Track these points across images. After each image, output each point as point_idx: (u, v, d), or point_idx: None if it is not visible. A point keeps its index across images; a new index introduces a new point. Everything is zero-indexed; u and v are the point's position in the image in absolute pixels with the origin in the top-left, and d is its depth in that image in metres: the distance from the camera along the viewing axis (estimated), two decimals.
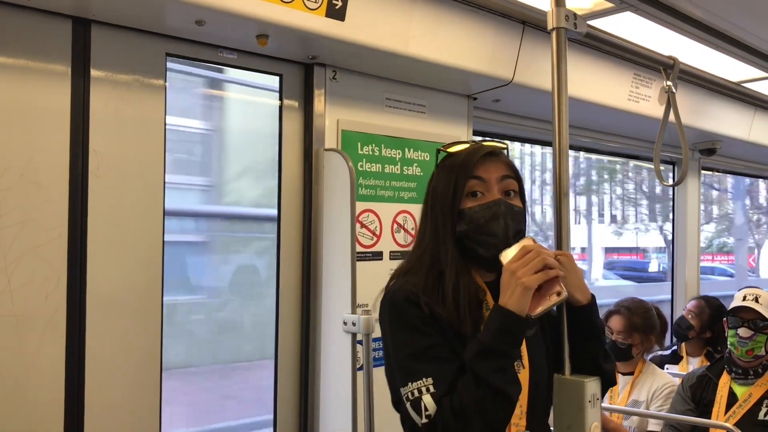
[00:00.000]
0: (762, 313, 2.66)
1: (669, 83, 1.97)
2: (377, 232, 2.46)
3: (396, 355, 1.39)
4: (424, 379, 1.32)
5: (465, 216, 1.43)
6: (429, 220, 1.48)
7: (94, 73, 1.87)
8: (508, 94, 2.75)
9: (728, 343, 2.72)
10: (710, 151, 4.17)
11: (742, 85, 3.56)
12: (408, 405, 1.33)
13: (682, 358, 3.67)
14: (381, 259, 2.45)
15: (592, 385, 1.51)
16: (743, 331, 2.65)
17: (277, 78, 2.30)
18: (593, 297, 1.49)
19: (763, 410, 2.59)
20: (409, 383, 1.33)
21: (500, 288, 1.33)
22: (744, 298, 2.72)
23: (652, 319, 3.06)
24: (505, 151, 1.52)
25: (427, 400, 1.31)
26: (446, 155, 1.51)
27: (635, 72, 3.06)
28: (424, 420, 1.31)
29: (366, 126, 2.43)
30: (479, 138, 2.53)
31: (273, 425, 2.30)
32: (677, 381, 3.00)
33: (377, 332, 2.14)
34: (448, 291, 1.39)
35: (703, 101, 3.55)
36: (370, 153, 2.45)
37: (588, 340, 1.50)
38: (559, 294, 1.30)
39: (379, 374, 2.14)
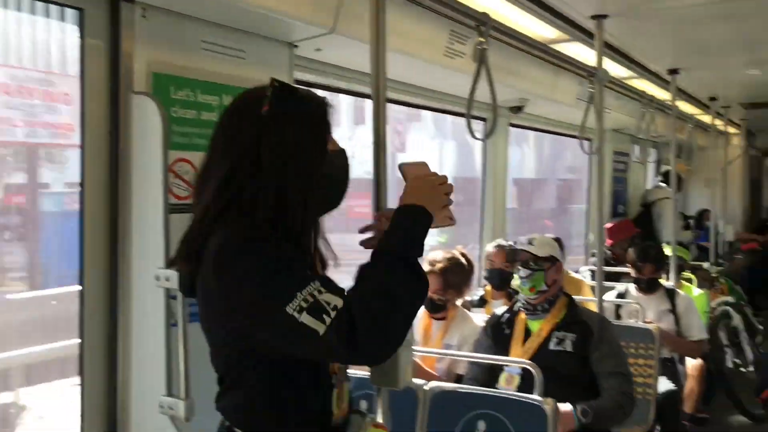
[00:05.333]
0: (534, 253, 2.95)
1: (482, 40, 2.05)
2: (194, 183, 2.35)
3: (263, 283, 1.30)
4: (312, 283, 1.28)
5: (330, 159, 1.45)
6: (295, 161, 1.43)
7: None
8: (330, 44, 2.71)
9: (515, 284, 2.99)
10: (518, 108, 4.45)
11: (549, 46, 3.81)
12: (304, 316, 1.25)
13: (487, 301, 3.95)
14: None
15: None
16: (523, 272, 2.95)
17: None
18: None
19: (553, 341, 2.88)
20: (297, 294, 1.26)
21: (415, 192, 1.43)
22: (521, 243, 3.04)
23: (465, 273, 3.25)
24: None
25: (327, 297, 1.27)
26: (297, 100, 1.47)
27: (452, 29, 3.15)
28: (332, 316, 1.25)
29: (180, 69, 2.28)
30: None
31: (81, 385, 2.16)
32: None
33: None
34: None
35: (512, 60, 3.75)
36: (185, 98, 2.32)
37: None
38: (451, 219, 1.46)
39: (195, 330, 2.08)
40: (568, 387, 2.77)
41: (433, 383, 2.62)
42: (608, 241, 5.78)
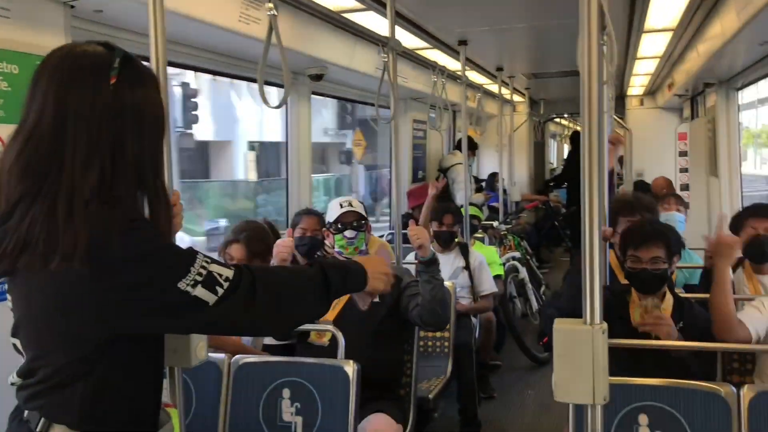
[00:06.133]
0: (360, 213, 3.05)
1: (270, 5, 2.01)
2: None
3: (154, 262, 1.27)
4: (198, 255, 1.31)
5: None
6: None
7: None
8: (111, 4, 2.54)
9: (337, 246, 3.03)
10: (318, 76, 4.46)
11: (343, 14, 3.84)
12: (198, 290, 1.27)
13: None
14: None
15: None
16: (349, 233, 3.02)
17: None
18: None
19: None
20: (191, 269, 1.28)
21: (373, 263, 1.64)
22: (341, 206, 3.06)
23: (269, 241, 3.23)
24: None
25: (216, 268, 1.31)
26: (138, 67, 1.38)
27: None
28: (225, 287, 1.29)
29: None
30: None
31: None
32: None
33: None
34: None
35: (310, 28, 3.75)
36: None
37: None
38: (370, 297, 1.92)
39: None
40: (376, 336, 2.91)
41: (239, 356, 2.60)
42: (409, 205, 6.06)
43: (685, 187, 6.86)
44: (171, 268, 1.28)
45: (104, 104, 1.28)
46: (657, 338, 2.53)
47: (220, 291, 1.29)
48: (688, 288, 3.67)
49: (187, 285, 1.27)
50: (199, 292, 1.28)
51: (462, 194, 5.59)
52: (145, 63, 1.46)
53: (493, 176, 8.46)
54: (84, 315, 1.26)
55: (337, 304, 3.00)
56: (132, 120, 1.31)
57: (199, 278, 1.28)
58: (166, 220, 1.39)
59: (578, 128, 14.93)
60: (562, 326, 1.39)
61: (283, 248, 2.89)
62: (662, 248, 2.66)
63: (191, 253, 1.32)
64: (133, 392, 1.36)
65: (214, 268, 1.31)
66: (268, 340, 3.11)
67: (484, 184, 8.62)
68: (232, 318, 1.34)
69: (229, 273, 1.32)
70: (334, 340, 2.70)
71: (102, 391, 1.31)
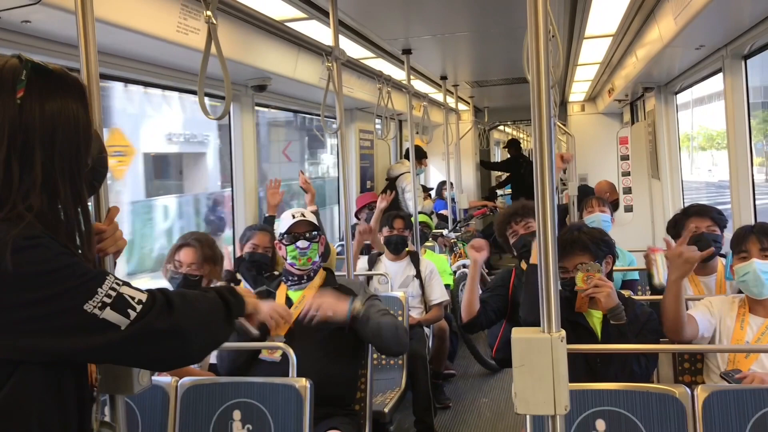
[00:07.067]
0: (313, 223, 2.98)
1: (209, 14, 1.94)
2: None
3: (56, 283, 1.20)
4: (108, 277, 1.25)
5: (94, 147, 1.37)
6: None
7: None
8: (40, 15, 2.41)
9: (289, 257, 2.94)
10: (261, 87, 4.37)
11: (285, 24, 3.78)
12: (106, 312, 1.22)
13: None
14: None
15: None
16: (302, 243, 2.93)
17: None
18: None
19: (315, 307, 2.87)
20: (98, 290, 1.23)
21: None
22: (294, 216, 3.00)
23: (218, 251, 3.13)
24: None
25: (128, 290, 1.26)
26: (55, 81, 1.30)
27: (183, 3, 2.99)
28: (137, 310, 1.24)
29: None
30: None
31: None
32: None
33: None
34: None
35: (252, 38, 3.67)
36: None
37: None
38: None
39: None
40: (329, 351, 2.83)
41: (186, 378, 2.50)
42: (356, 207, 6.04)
43: (628, 191, 6.98)
44: (75, 288, 1.22)
45: (8, 119, 1.23)
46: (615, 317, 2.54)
47: (133, 314, 1.25)
48: (626, 283, 3.80)
49: (95, 307, 1.22)
50: (109, 314, 1.23)
51: (413, 203, 5.57)
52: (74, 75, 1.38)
53: (442, 184, 8.49)
54: None
55: (293, 313, 2.90)
56: (42, 134, 1.25)
57: (108, 300, 1.23)
58: (85, 238, 1.33)
59: (520, 136, 15.34)
60: (520, 335, 1.36)
61: None
62: (585, 254, 2.68)
63: (100, 274, 1.26)
64: (48, 418, 1.27)
65: (126, 290, 1.26)
66: (214, 359, 3.00)
67: (432, 192, 8.64)
68: (146, 343, 1.29)
69: (142, 296, 1.28)
70: (285, 354, 2.62)
71: (9, 413, 1.23)
